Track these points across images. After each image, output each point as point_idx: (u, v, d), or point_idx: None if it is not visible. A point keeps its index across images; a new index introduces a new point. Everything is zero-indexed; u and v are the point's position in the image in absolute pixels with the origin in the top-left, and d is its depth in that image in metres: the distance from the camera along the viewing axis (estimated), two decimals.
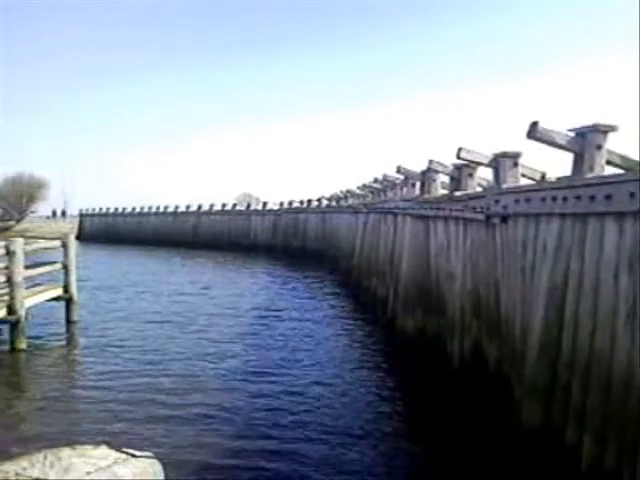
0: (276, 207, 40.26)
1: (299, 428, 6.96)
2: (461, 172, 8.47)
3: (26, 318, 10.98)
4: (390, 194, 15.59)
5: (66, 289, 13.23)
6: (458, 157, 7.19)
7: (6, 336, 11.05)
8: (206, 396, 8.24)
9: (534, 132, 5.26)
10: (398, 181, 14.18)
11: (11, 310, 10.59)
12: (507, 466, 5.34)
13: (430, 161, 9.40)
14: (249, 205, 44.02)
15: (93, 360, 10.29)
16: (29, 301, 11.38)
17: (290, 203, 38.72)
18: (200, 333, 12.53)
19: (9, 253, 10.83)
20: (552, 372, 4.98)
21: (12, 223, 66.84)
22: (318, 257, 28.63)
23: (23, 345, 10.69)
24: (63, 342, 12.07)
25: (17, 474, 3.71)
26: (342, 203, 27.71)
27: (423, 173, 10.62)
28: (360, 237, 18.75)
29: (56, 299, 13.07)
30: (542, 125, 5.22)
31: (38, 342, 11.39)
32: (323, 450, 6.33)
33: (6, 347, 10.84)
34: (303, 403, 7.84)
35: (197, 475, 5.73)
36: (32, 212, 73.38)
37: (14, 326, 10.66)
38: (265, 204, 41.94)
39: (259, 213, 40.82)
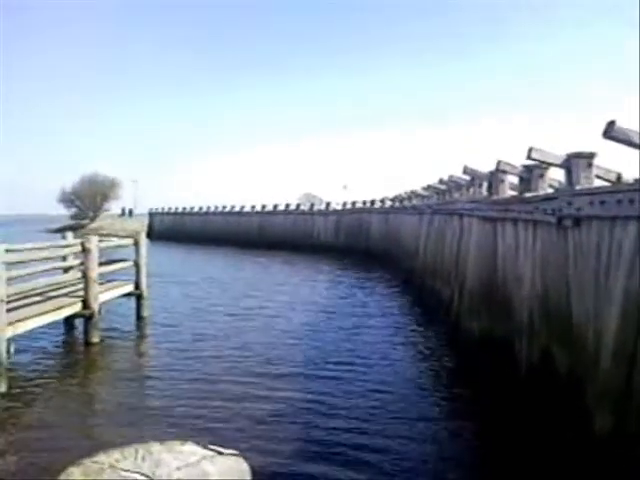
0: (339, 207, 40.36)
1: (359, 432, 6.94)
2: (531, 173, 8.23)
3: (99, 313, 11.41)
4: (456, 195, 15.34)
5: (137, 285, 13.72)
6: (529, 157, 6.99)
7: (81, 329, 11.57)
8: (276, 392, 8.33)
9: (610, 131, 5.06)
10: (464, 182, 13.93)
11: (86, 305, 11.04)
12: (577, 476, 5.17)
13: (499, 161, 9.19)
14: (312, 206, 44.28)
15: (163, 354, 10.61)
16: (102, 296, 11.84)
17: (353, 204, 38.72)
18: (268, 328, 12.84)
19: (85, 250, 11.32)
20: (627, 379, 4.78)
21: (87, 221, 69.81)
22: (380, 257, 28.48)
23: (96, 339, 11.13)
24: (134, 336, 12.54)
25: (111, 466, 3.88)
26: (406, 204, 27.50)
27: (491, 174, 10.39)
28: (424, 238, 18.55)
29: (127, 295, 13.58)
30: (619, 124, 5.02)
31: (110, 336, 11.85)
32: (383, 452, 6.30)
33: (80, 340, 11.37)
34: (363, 406, 7.80)
35: (279, 471, 5.75)
36: (105, 211, 76.38)
37: (88, 320, 11.11)
38: (328, 204, 42.11)
39: (322, 213, 41.00)
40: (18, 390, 8.26)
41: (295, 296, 17.95)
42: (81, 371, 9.84)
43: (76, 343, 11.50)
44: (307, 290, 19.66)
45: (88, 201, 75.28)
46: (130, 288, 13.57)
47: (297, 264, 29.62)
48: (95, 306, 11.14)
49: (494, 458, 6.20)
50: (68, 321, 11.75)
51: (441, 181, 17.50)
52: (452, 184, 15.50)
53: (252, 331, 12.60)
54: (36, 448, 6.29)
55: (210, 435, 6.20)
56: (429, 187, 20.30)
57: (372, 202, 36.53)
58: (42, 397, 8.15)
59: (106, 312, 12.77)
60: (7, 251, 8.59)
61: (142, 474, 3.80)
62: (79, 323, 11.75)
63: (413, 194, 25.27)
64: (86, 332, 11.12)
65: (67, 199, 78.13)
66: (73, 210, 78.39)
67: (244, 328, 12.87)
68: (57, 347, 11.31)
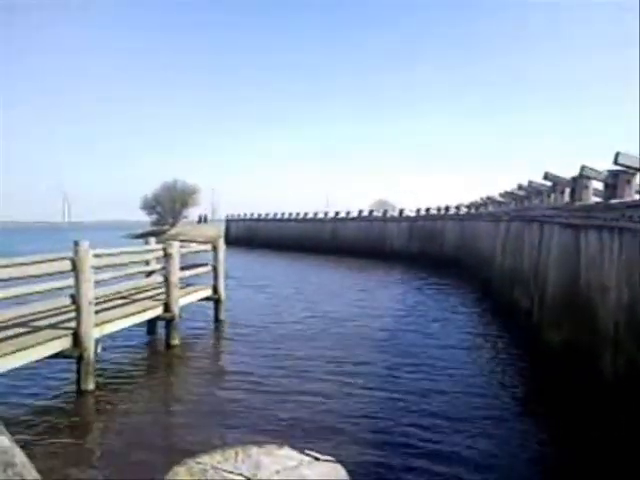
0: (412, 214, 39.98)
1: (439, 440, 6.86)
2: (618, 179, 7.89)
3: (180, 316, 11.81)
4: (535, 201, 14.88)
5: (215, 290, 14.11)
6: (615, 163, 6.73)
7: (162, 331, 12.03)
8: (357, 394, 8.38)
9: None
10: (544, 188, 13.50)
11: (167, 308, 11.45)
12: None
13: (582, 167, 8.86)
14: (385, 212, 44.06)
15: (241, 357, 10.79)
16: (183, 300, 12.25)
17: (427, 210, 38.25)
18: (344, 331, 12.92)
19: (167, 255, 11.76)
20: None
21: (167, 227, 72.38)
22: (455, 264, 27.99)
23: (176, 341, 11.52)
24: (212, 339, 12.90)
25: (214, 467, 4.02)
26: (481, 210, 26.94)
27: (574, 179, 10.02)
28: (501, 245, 18.09)
29: (206, 299, 13.98)
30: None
31: (190, 338, 12.25)
32: (461, 462, 6.20)
33: (162, 342, 11.81)
34: (438, 413, 7.70)
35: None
36: (184, 217, 78.99)
37: (169, 323, 11.51)
38: (402, 211, 41.78)
39: (395, 220, 40.72)
40: (105, 388, 8.67)
41: (369, 301, 17.95)
42: (163, 371, 10.22)
43: (157, 344, 11.95)
44: (381, 295, 19.63)
45: (168, 208, 78.13)
46: (209, 292, 13.97)
47: (370, 270, 29.60)
48: (176, 309, 11.54)
49: (577, 468, 5.96)
50: (150, 323, 12.23)
51: (520, 187, 17.03)
52: (531, 190, 15.05)
53: (328, 334, 12.71)
54: (124, 446, 6.59)
55: (293, 438, 6.22)
56: (506, 193, 19.80)
57: (446, 208, 35.97)
58: (127, 395, 8.52)
59: (185, 315, 13.22)
60: (95, 256, 9.06)
61: (243, 476, 3.90)
62: (160, 325, 12.23)
63: (489, 200, 24.71)
64: (167, 334, 11.54)
65: (148, 206, 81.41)
66: (154, 216, 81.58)
67: (320, 331, 12.98)
68: (140, 348, 11.77)
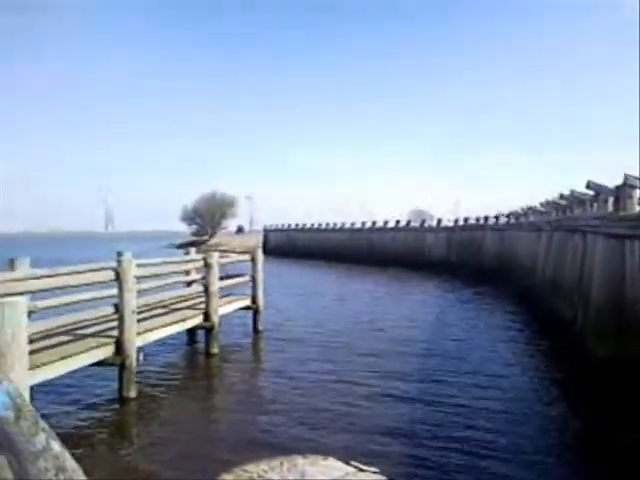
0: (450, 224, 39.64)
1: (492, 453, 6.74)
2: None
3: (219, 325, 11.94)
4: (578, 211, 14.60)
5: (254, 299, 14.22)
6: None
7: (201, 340, 12.19)
8: (401, 405, 8.37)
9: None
10: (586, 197, 13.24)
11: (207, 317, 11.60)
12: None
13: (626, 176, 8.67)
14: (423, 222, 43.78)
15: (279, 366, 10.82)
16: (222, 310, 12.38)
17: (465, 220, 37.87)
18: (384, 341, 12.87)
19: (207, 265, 11.93)
20: None
21: (206, 237, 73.36)
22: (494, 275, 27.57)
23: (216, 349, 11.64)
24: (251, 348, 12.99)
25: (260, 476, 4.07)
26: (521, 220, 26.54)
27: (617, 188, 9.81)
28: (542, 256, 17.77)
29: (245, 308, 14.10)
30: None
31: (229, 347, 12.35)
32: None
33: (201, 351, 11.96)
34: (477, 428, 7.57)
35: None
36: (223, 228, 80.00)
37: (209, 332, 11.65)
38: (439, 221, 41.46)
39: (433, 230, 40.43)
40: (146, 396, 8.82)
41: (408, 310, 17.81)
42: (203, 380, 10.36)
43: (197, 353, 12.11)
44: (420, 305, 19.47)
45: (207, 218, 79.26)
46: (247, 302, 14.08)
47: (407, 280, 29.40)
48: (215, 319, 11.67)
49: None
50: (190, 332, 12.40)
51: (562, 196, 16.74)
52: (574, 199, 14.78)
53: (367, 342, 12.71)
54: (166, 453, 6.68)
55: (335, 449, 6.18)
56: (547, 203, 19.48)
57: (485, 218, 35.55)
58: (168, 403, 8.65)
59: (224, 324, 13.35)
60: (138, 266, 9.25)
61: None
62: (200, 334, 12.39)
63: (530, 210, 24.34)
64: (207, 343, 11.68)
65: (188, 217, 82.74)
66: (194, 227, 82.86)
67: (360, 341, 12.93)
68: (180, 356, 11.95)
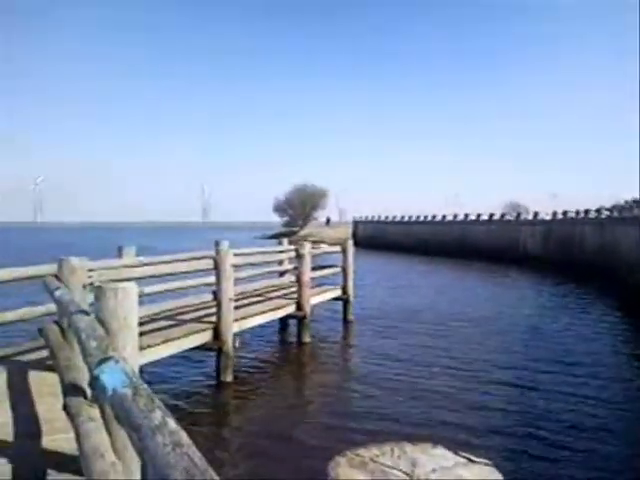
0: (548, 217, 38.06)
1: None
2: None
3: (311, 314, 12.13)
4: None
5: (344, 290, 14.33)
6: None
7: (293, 329, 12.46)
8: (499, 399, 8.21)
9: None
10: None
11: (299, 307, 11.81)
12: None
13: None
14: (519, 215, 42.29)
15: (371, 356, 10.86)
16: (314, 299, 12.56)
17: (564, 213, 36.21)
18: (476, 336, 12.63)
19: (299, 256, 12.13)
20: None
21: (297, 229, 74.54)
22: (596, 271, 26.22)
23: (308, 338, 11.84)
24: (341, 338, 13.10)
25: (372, 460, 4.17)
26: (625, 214, 25.05)
27: None
28: None
29: (335, 299, 14.24)
30: None
31: (320, 336, 12.53)
32: None
33: (293, 339, 12.21)
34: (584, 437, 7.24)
35: None
36: (314, 219, 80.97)
37: (301, 321, 11.87)
38: (536, 214, 39.89)
39: (529, 223, 38.97)
40: (242, 380, 9.12)
41: (500, 307, 17.25)
42: (296, 367, 10.63)
43: (289, 342, 12.39)
44: (513, 301, 18.81)
45: (299, 210, 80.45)
46: (338, 292, 14.21)
47: (501, 274, 28.50)
48: (307, 308, 11.86)
49: None
50: (282, 320, 12.68)
51: None
52: None
53: (460, 335, 12.59)
54: (264, 436, 6.89)
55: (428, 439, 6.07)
56: None
57: (586, 212, 33.80)
58: (263, 388, 8.93)
59: (315, 314, 13.52)
60: (235, 255, 9.56)
61: (402, 471, 3.98)
62: (292, 323, 12.65)
63: (635, 204, 22.92)
64: (299, 332, 11.90)
65: (280, 208, 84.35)
66: (285, 218, 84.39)
67: (452, 335, 12.74)
68: (273, 344, 12.25)
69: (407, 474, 3.89)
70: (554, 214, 37.47)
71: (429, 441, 4.77)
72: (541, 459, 5.98)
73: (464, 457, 4.33)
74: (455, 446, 4.80)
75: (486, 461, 4.46)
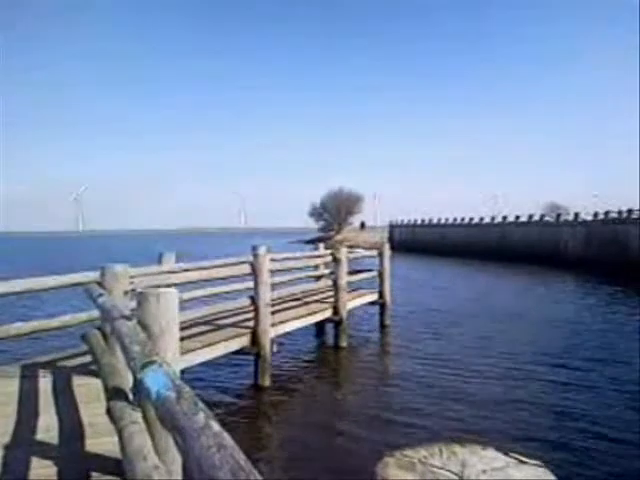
0: (589, 218, 37.22)
1: None
2: None
3: (347, 319, 12.11)
4: None
5: (381, 295, 14.26)
6: None
7: (329, 333, 12.46)
8: (543, 400, 8.15)
9: None
10: None
11: (336, 311, 11.79)
12: None
13: None
14: (559, 216, 41.47)
15: (409, 361, 10.77)
16: (350, 304, 12.54)
17: (606, 213, 35.36)
18: (516, 339, 12.47)
19: (335, 260, 12.13)
20: None
21: (332, 233, 74.66)
22: None
23: (344, 343, 11.82)
24: (378, 343, 13.03)
25: (421, 461, 4.15)
26: None
27: None
28: None
29: (372, 303, 14.18)
30: None
31: (357, 341, 12.50)
32: None
33: (330, 343, 12.21)
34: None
35: None
36: (349, 224, 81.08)
37: (337, 325, 11.85)
38: (577, 215, 39.05)
39: (570, 224, 38.17)
40: (279, 385, 9.15)
41: (543, 311, 16.90)
42: (334, 371, 10.63)
43: (326, 346, 12.38)
44: (554, 305, 18.46)
45: (334, 214, 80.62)
46: (375, 297, 14.16)
47: (542, 277, 28.04)
48: (344, 313, 11.85)
49: None
50: (318, 325, 12.68)
51: None
52: None
53: (500, 340, 12.36)
54: (302, 440, 6.91)
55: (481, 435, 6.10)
56: None
57: (629, 211, 32.95)
58: (301, 393, 8.98)
59: (352, 318, 13.48)
60: (272, 260, 9.61)
61: (452, 472, 3.96)
62: (328, 327, 12.64)
63: None
64: (336, 336, 11.90)
65: (316, 213, 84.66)
66: (321, 223, 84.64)
67: (498, 338, 12.60)
68: (310, 349, 12.27)
69: (457, 474, 3.84)
70: (595, 215, 36.63)
71: (478, 443, 4.70)
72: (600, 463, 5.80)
73: (515, 458, 4.25)
74: (505, 447, 4.71)
75: (538, 462, 4.36)
